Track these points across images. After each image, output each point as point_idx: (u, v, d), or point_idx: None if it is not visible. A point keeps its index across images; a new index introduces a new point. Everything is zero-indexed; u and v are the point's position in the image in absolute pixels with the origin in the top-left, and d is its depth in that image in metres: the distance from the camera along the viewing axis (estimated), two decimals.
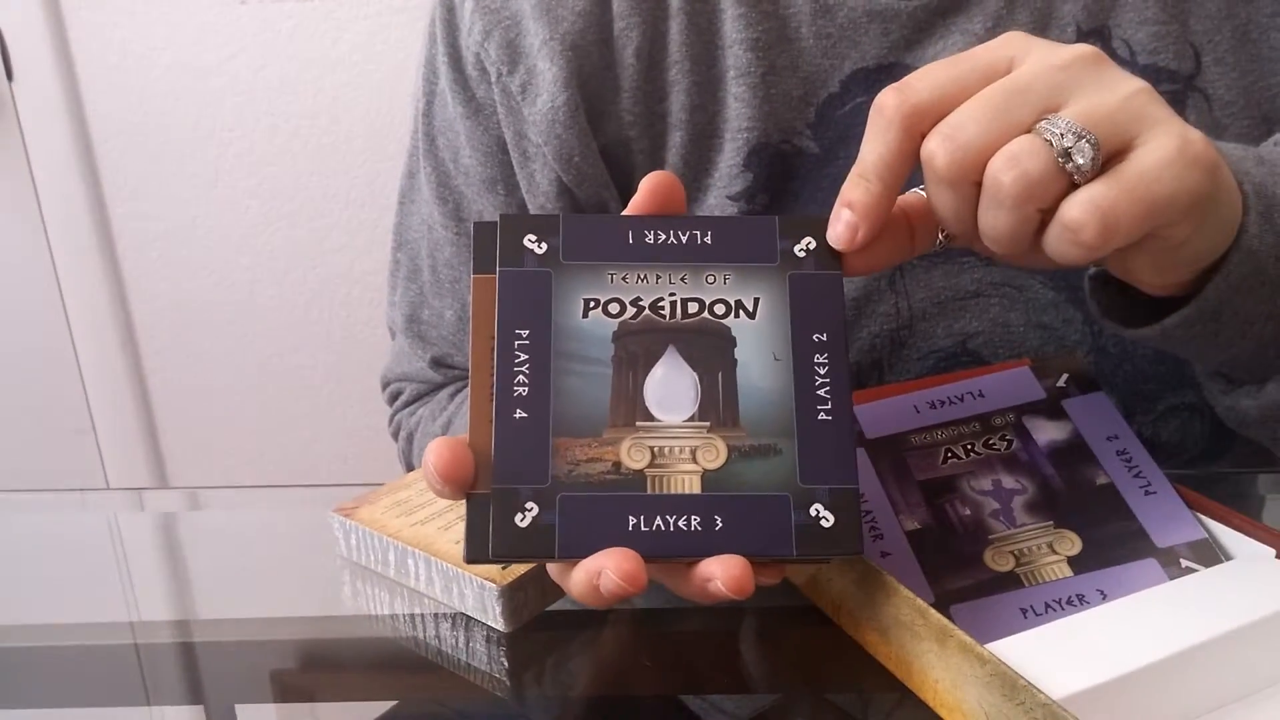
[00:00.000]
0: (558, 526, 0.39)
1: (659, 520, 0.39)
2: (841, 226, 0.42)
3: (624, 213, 0.44)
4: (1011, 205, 0.38)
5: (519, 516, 0.39)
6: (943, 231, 0.45)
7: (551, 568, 0.41)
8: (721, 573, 0.38)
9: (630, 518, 0.39)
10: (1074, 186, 0.38)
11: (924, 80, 0.40)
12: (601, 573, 0.37)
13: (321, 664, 0.51)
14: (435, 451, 0.39)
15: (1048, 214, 0.39)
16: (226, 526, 0.68)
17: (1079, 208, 0.37)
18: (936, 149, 0.39)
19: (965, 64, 0.41)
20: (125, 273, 1.40)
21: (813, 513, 0.39)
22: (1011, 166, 0.38)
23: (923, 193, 0.45)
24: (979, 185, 0.39)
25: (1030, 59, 0.40)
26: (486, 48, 0.65)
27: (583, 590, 0.38)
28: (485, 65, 0.66)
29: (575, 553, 0.39)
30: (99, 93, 1.32)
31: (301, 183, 1.34)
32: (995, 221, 0.39)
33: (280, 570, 0.59)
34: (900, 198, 0.44)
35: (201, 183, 1.35)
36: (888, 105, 0.40)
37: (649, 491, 0.39)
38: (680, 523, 0.39)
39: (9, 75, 1.31)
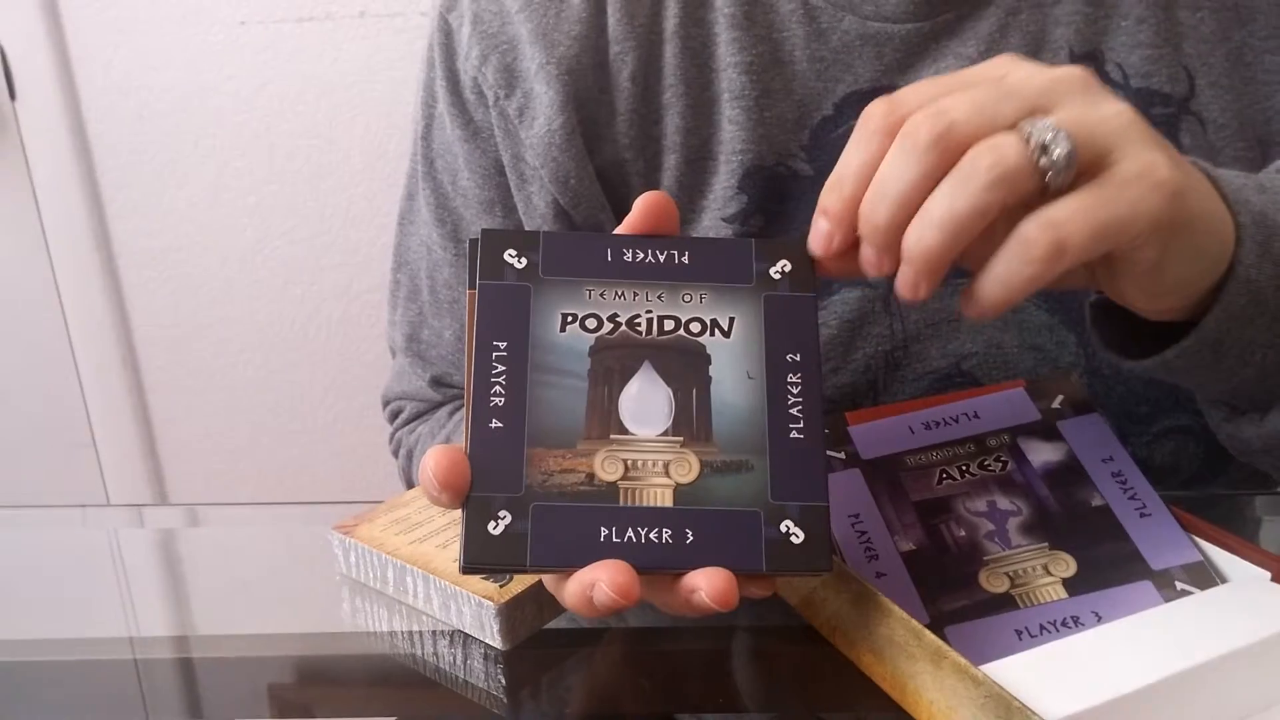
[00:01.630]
0: (530, 535, 0.39)
1: (631, 532, 0.39)
2: (818, 235, 0.42)
3: (617, 231, 0.45)
4: (982, 187, 0.38)
5: (492, 524, 0.39)
6: None
7: (546, 579, 0.42)
8: (706, 585, 0.38)
9: (602, 529, 0.39)
10: (1044, 190, 0.38)
11: (914, 95, 0.41)
12: (595, 584, 0.38)
13: (320, 681, 0.51)
14: (434, 458, 0.39)
15: (996, 232, 0.39)
16: (226, 543, 0.68)
17: (1034, 224, 0.38)
18: (922, 122, 0.39)
19: (959, 79, 0.41)
20: (126, 290, 1.40)
21: (783, 529, 0.40)
22: (991, 152, 0.38)
23: None
24: (946, 168, 0.39)
25: (1019, 72, 0.41)
26: (484, 71, 0.66)
27: (576, 601, 0.39)
28: (483, 89, 0.66)
29: (546, 562, 0.39)
30: (100, 112, 1.33)
31: (300, 201, 1.34)
32: (954, 201, 0.38)
33: (279, 587, 0.60)
34: None
35: (201, 201, 1.35)
36: (875, 115, 0.41)
37: (621, 503, 0.40)
38: (652, 535, 0.39)
39: (12, 94, 1.32)
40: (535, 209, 0.68)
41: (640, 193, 0.66)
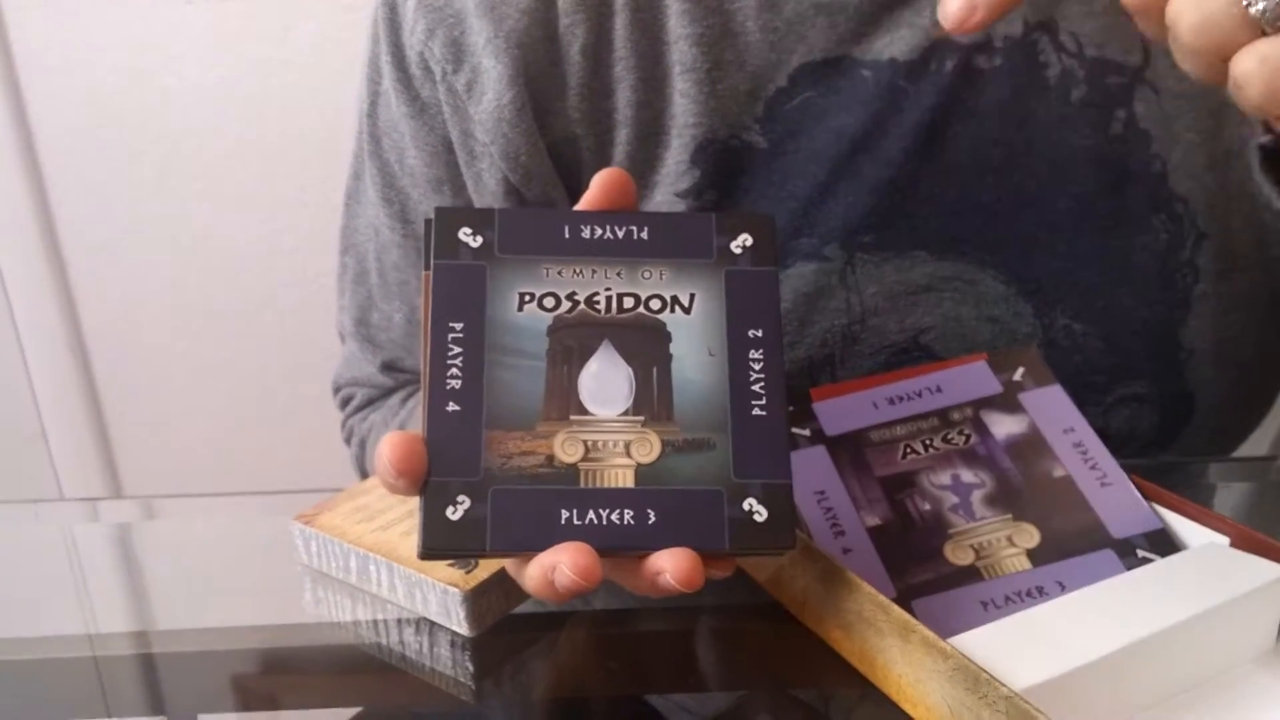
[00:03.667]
0: (489, 519, 0.39)
1: (592, 514, 0.39)
2: (957, 5, 0.39)
3: (575, 208, 0.44)
4: (1190, 52, 0.35)
5: (450, 509, 0.39)
6: None
7: (507, 563, 0.42)
8: (671, 566, 0.38)
9: (563, 511, 0.39)
10: (1263, 35, 0.34)
11: None
12: (556, 567, 0.37)
13: (285, 672, 0.50)
14: (389, 445, 0.39)
15: None
16: (184, 536, 0.67)
17: (1248, 59, 0.34)
18: None
19: None
20: (72, 278, 1.38)
21: (746, 507, 0.39)
22: (1189, 10, 0.34)
23: None
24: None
25: None
26: (430, 46, 0.64)
27: (537, 585, 0.38)
28: (429, 64, 0.65)
29: (506, 546, 0.39)
30: (42, 95, 1.30)
31: (252, 184, 1.32)
32: (1183, 59, 0.36)
33: (241, 579, 0.59)
34: None
35: (149, 185, 1.33)
36: None
37: (582, 485, 0.39)
38: (613, 516, 0.39)
39: None
40: (485, 187, 0.67)
41: (592, 169, 0.66)
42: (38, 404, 1.43)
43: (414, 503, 0.54)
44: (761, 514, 0.39)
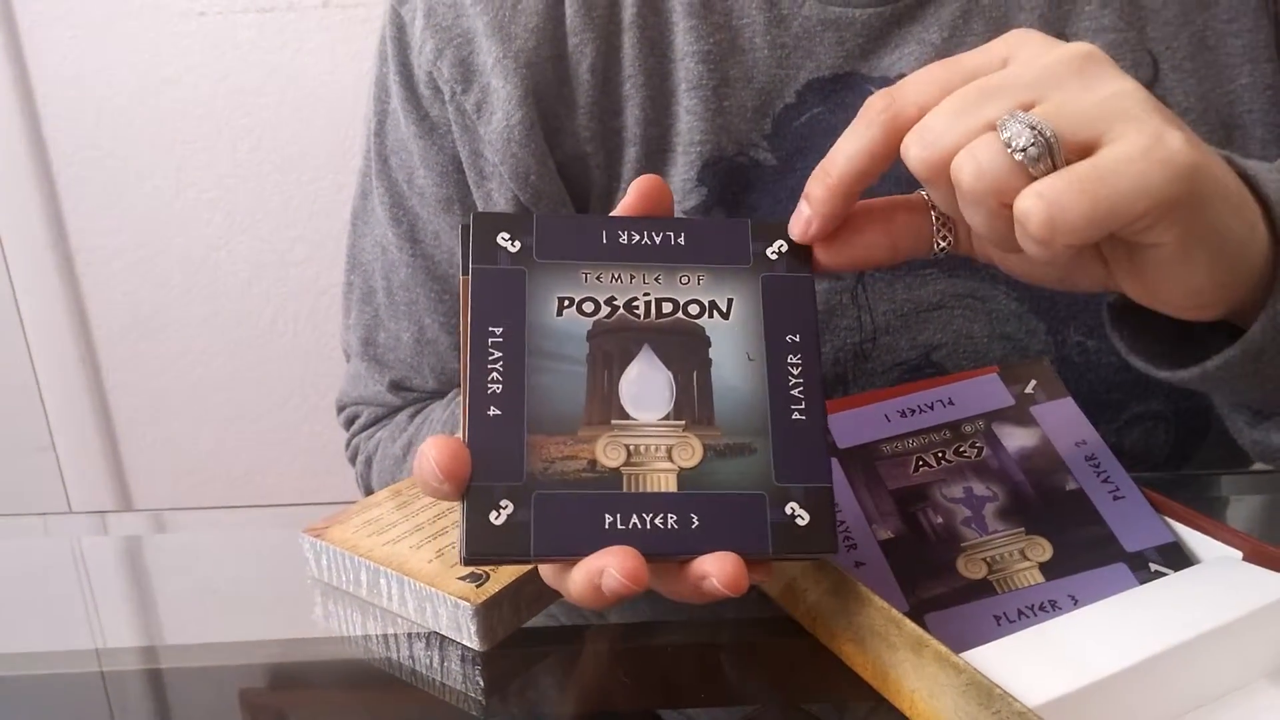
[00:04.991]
0: (533, 524, 0.38)
1: (635, 519, 0.39)
2: (798, 220, 0.43)
3: (613, 214, 0.44)
4: (973, 200, 0.38)
5: (494, 514, 0.39)
6: (942, 238, 0.45)
7: (547, 570, 0.41)
8: (716, 570, 0.38)
9: (606, 516, 0.39)
10: (1032, 179, 0.37)
11: (914, 85, 0.40)
12: (604, 571, 0.37)
13: (294, 687, 0.50)
14: (435, 447, 0.38)
15: None
16: (193, 549, 0.67)
17: (1027, 198, 0.37)
18: (910, 146, 0.39)
19: (958, 68, 0.40)
20: (84, 289, 1.38)
21: (788, 511, 0.39)
22: (967, 162, 0.38)
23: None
24: (947, 180, 0.39)
25: (1020, 57, 0.40)
26: (439, 66, 0.65)
27: (582, 590, 0.38)
28: (438, 84, 0.65)
29: (550, 551, 0.39)
30: (55, 106, 1.30)
31: (264, 195, 1.32)
32: (972, 218, 0.39)
33: (250, 593, 0.59)
34: (904, 197, 0.45)
35: (162, 196, 1.33)
36: (873, 106, 0.41)
37: (625, 490, 0.39)
38: (657, 521, 0.39)
39: None
40: (495, 206, 0.67)
41: (601, 187, 0.66)
42: (47, 416, 1.43)
43: (425, 516, 0.54)
44: (804, 518, 0.39)
